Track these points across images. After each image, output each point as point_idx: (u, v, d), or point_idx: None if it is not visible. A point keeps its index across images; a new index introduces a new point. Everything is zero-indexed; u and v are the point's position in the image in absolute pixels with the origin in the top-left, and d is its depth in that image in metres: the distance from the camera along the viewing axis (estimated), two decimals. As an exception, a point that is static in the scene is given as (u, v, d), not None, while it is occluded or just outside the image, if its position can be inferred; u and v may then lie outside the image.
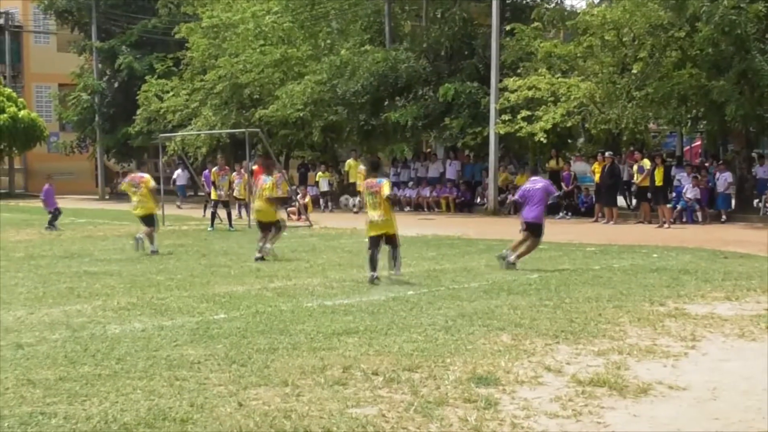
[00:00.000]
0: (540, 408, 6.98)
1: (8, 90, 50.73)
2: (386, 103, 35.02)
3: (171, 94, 40.89)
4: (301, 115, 34.99)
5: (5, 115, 48.17)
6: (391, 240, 14.41)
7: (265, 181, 17.93)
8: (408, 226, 25.76)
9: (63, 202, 25.97)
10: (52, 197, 26.22)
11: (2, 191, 52.25)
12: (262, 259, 17.06)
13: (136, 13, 48.66)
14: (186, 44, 40.72)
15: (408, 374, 7.92)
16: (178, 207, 31.53)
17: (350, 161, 32.66)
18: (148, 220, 18.93)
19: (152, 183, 19.44)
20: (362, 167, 32.21)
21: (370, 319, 10.58)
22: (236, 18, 37.77)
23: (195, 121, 38.43)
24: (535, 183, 16.31)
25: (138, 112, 42.96)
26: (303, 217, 28.06)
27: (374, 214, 14.32)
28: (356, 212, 31.22)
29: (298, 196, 30.44)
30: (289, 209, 30.65)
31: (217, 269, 15.78)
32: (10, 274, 15.28)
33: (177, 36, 41.45)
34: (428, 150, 41.01)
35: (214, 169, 27.29)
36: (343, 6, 38.72)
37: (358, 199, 31.55)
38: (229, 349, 8.90)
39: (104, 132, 49.65)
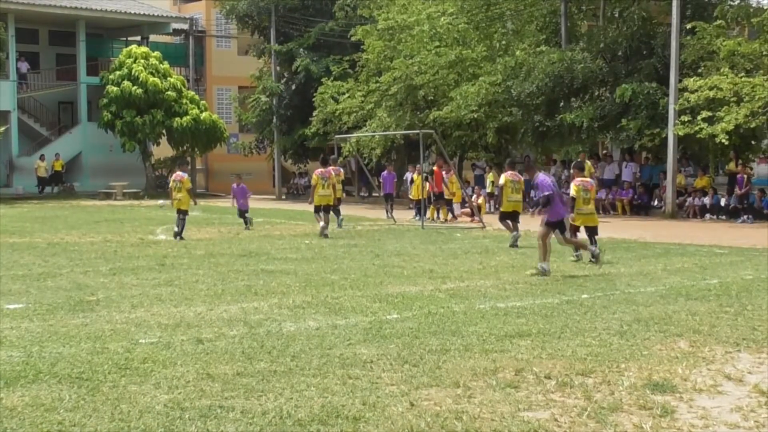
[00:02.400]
0: (719, 418, 6.76)
1: (191, 93, 52.33)
2: (561, 104, 34.58)
3: (346, 95, 41.41)
4: (476, 116, 34.91)
5: (188, 117, 49.70)
6: (593, 230, 17.31)
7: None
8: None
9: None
10: (241, 196, 26.31)
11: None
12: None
13: (313, 17, 49.50)
14: (362, 46, 41.15)
15: (581, 379, 7.80)
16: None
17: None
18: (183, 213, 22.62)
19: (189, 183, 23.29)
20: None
21: (543, 322, 10.47)
22: (411, 20, 37.95)
23: (370, 123, 38.81)
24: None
25: (314, 113, 43.69)
26: (476, 218, 28.01)
27: (586, 208, 17.19)
28: None
29: (472, 197, 30.38)
30: (462, 210, 30.68)
31: (390, 269, 15.89)
32: (192, 271, 15.77)
33: (353, 38, 41.94)
34: (604, 152, 40.34)
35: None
36: (518, 6, 38.43)
37: None
38: (401, 349, 8.95)
39: (281, 133, 50.68)
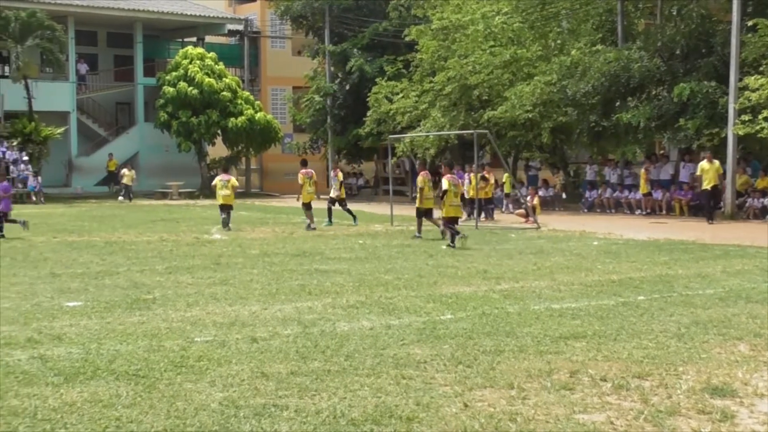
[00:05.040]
0: (781, 423, 6.64)
1: (246, 93, 52.65)
2: (618, 103, 34.25)
3: (400, 95, 41.34)
4: (530, 116, 34.73)
5: (243, 118, 50.02)
6: (456, 220, 21.06)
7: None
8: (639, 229, 25.20)
9: (296, 202, 26.78)
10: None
11: (239, 191, 54.27)
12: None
13: (367, 17, 49.53)
14: (416, 46, 41.09)
15: (638, 381, 7.71)
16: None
17: (703, 164, 30.72)
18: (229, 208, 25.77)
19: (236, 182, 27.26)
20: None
21: (599, 323, 10.37)
22: (466, 19, 37.81)
23: (424, 123, 38.73)
24: None
25: (368, 113, 43.70)
26: (531, 218, 27.85)
27: (456, 201, 20.92)
28: None
29: (527, 198, 30.20)
30: (517, 211, 30.53)
31: (444, 270, 15.85)
32: (246, 270, 15.84)
33: (407, 38, 41.86)
34: (661, 152, 39.91)
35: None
36: (574, 5, 38.15)
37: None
38: (455, 350, 8.91)
39: (335, 133, 50.78)
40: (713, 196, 29.47)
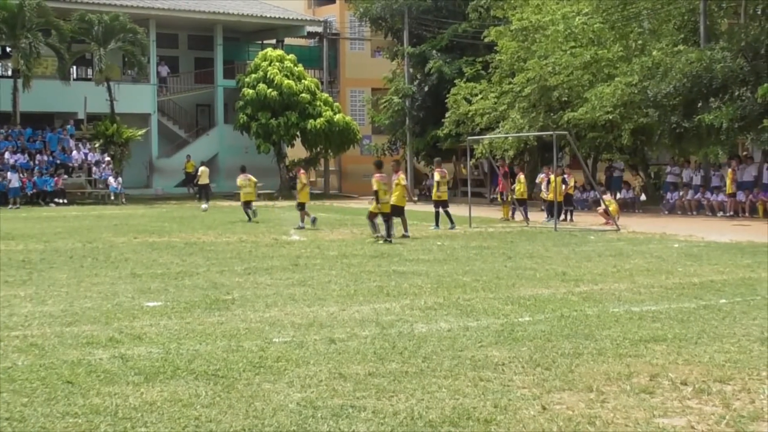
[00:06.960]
0: None
1: (325, 95, 52.95)
2: (700, 104, 33.74)
3: (479, 97, 41.18)
4: (611, 117, 34.38)
5: (322, 119, 50.32)
6: (389, 215, 22.18)
7: None
8: (721, 231, 24.81)
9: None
10: None
11: (318, 192, 54.63)
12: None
13: (446, 18, 49.45)
14: (495, 47, 40.94)
15: (719, 386, 7.60)
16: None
17: None
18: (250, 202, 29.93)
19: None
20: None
21: (679, 326, 10.24)
22: (546, 20, 37.57)
23: (502, 124, 38.55)
24: None
25: (447, 115, 43.62)
26: (611, 220, 27.57)
27: (385, 198, 22.02)
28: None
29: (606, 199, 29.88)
30: (599, 210, 30.24)
31: (522, 272, 15.77)
32: (324, 271, 15.92)
33: (486, 39, 41.76)
34: (744, 153, 39.23)
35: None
36: (655, 5, 37.67)
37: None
38: (533, 352, 8.87)
39: (414, 135, 50.81)
40: None
